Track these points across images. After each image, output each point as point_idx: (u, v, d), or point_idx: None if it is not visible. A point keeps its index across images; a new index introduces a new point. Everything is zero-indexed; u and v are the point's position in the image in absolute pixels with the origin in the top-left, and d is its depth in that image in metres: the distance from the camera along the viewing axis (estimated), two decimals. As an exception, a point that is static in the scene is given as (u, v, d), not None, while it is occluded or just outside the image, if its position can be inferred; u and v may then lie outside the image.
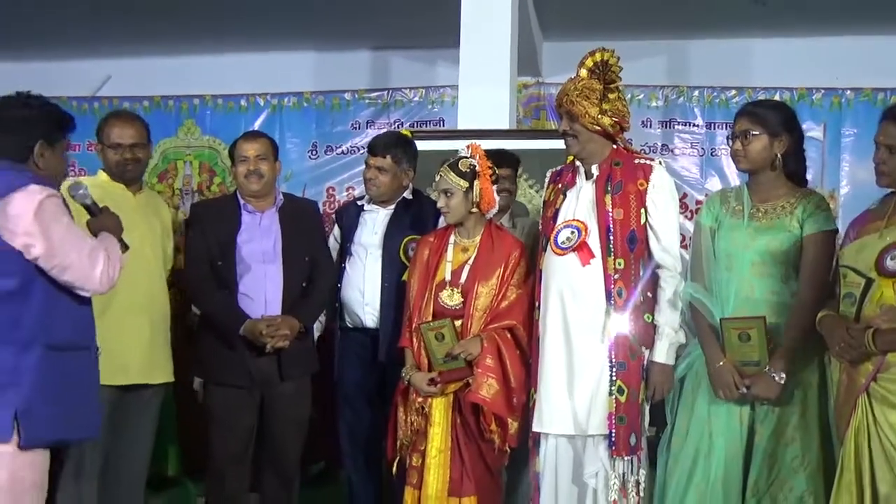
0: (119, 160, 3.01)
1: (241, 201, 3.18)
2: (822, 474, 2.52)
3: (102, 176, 3.07)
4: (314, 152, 6.09)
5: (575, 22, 5.52)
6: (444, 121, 5.84)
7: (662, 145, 5.81)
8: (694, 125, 5.76)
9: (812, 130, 5.63)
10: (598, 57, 2.78)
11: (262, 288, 3.10)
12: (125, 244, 2.47)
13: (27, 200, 2.16)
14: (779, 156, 2.71)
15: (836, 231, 2.68)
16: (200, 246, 3.17)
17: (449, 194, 2.89)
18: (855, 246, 2.42)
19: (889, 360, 2.25)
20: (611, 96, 2.76)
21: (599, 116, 2.73)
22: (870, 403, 2.27)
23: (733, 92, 5.70)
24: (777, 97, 5.62)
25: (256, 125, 5.94)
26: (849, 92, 5.60)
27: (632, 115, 5.84)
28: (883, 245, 2.32)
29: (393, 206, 3.37)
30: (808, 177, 5.79)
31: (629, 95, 5.74)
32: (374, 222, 3.36)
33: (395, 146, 3.38)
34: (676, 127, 5.82)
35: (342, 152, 6.03)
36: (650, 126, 5.80)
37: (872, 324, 2.26)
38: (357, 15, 5.51)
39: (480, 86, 4.12)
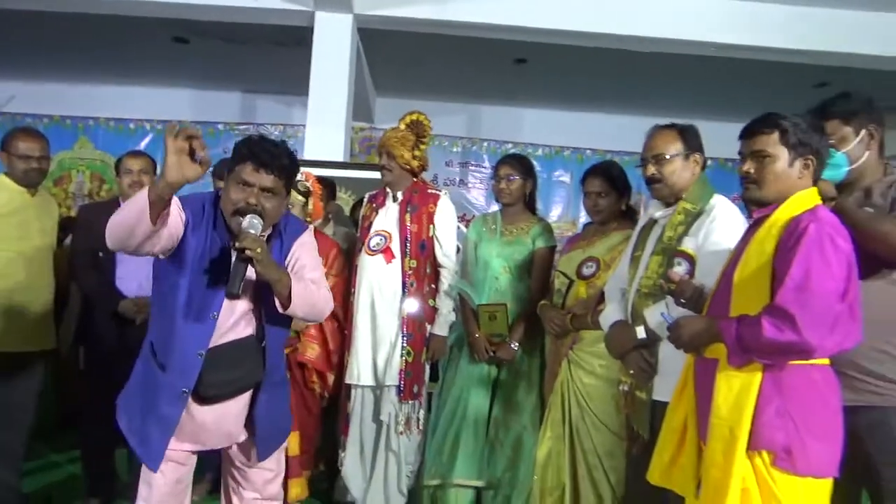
0: (27, 169, 2.84)
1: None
2: (538, 412, 2.75)
3: (5, 179, 2.87)
4: (190, 170, 5.98)
5: (400, 85, 5.76)
6: (297, 152, 5.85)
7: (460, 180, 6.15)
8: (483, 167, 6.16)
9: (563, 176, 6.18)
10: (414, 117, 2.92)
11: (135, 275, 2.98)
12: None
13: None
14: (527, 193, 2.94)
15: (556, 246, 2.90)
16: (85, 240, 3.02)
17: (290, 206, 2.95)
18: (566, 257, 2.69)
19: (581, 335, 2.52)
20: (421, 146, 2.89)
21: (410, 159, 2.86)
22: (569, 365, 2.52)
23: (511, 145, 6.13)
24: (541, 152, 6.13)
25: (142, 145, 5.76)
26: (588, 151, 6.19)
27: (439, 157, 6.25)
28: (583, 258, 2.60)
29: None
30: (559, 209, 6.39)
31: (438, 142, 6.09)
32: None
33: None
34: (470, 167, 6.20)
35: (211, 172, 5.94)
36: (452, 165, 6.11)
37: (572, 311, 2.55)
38: (229, 63, 5.48)
39: (323, 127, 4.16)
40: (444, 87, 5.79)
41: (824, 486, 1.52)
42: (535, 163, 5.93)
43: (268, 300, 1.86)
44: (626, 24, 4.19)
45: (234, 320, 1.87)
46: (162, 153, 1.58)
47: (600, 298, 2.43)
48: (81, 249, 3.05)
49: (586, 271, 2.58)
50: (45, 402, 3.47)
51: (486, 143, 6.18)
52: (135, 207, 1.61)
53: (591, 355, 2.48)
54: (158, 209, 1.62)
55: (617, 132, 5.95)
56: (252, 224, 1.79)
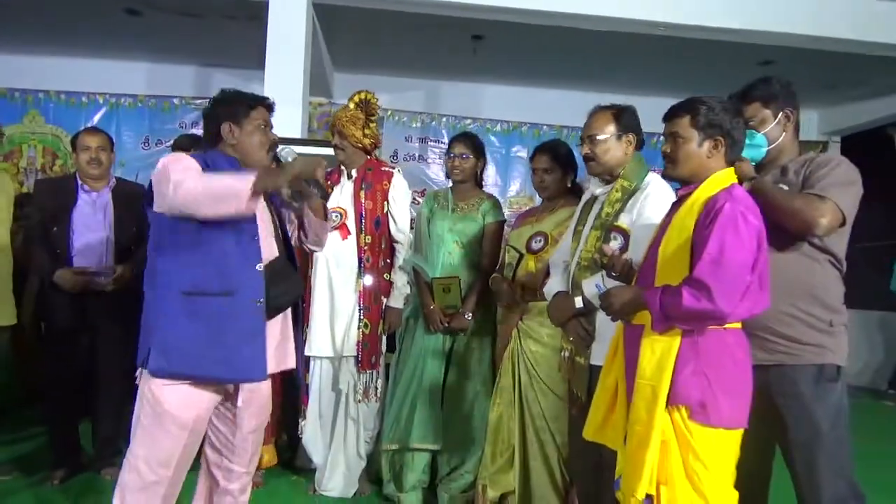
0: None
1: (80, 182, 3.08)
2: (490, 375, 2.89)
3: None
4: (146, 144, 5.90)
5: (358, 60, 5.76)
6: (255, 127, 5.86)
7: (419, 155, 6.18)
8: (442, 142, 6.16)
9: (520, 152, 6.29)
10: (362, 95, 2.97)
11: (94, 248, 3.02)
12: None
13: (159, 163, 1.90)
14: (478, 171, 3.05)
15: (505, 221, 3.03)
16: (37, 216, 3.03)
17: None
18: (516, 232, 2.81)
19: (530, 307, 2.65)
20: (371, 124, 2.96)
21: (362, 137, 2.93)
22: (519, 335, 2.65)
23: (470, 121, 6.20)
24: (499, 127, 6.21)
25: (95, 119, 5.66)
26: (545, 127, 6.28)
27: (398, 132, 6.27)
28: (532, 233, 2.71)
29: None
30: (517, 184, 6.49)
31: (398, 118, 6.14)
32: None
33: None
34: (429, 143, 6.22)
35: (170, 146, 5.88)
36: (411, 141, 6.14)
37: (521, 283, 2.67)
38: (184, 36, 5.40)
39: (280, 102, 4.06)
40: (403, 62, 5.80)
41: (735, 436, 1.70)
42: (493, 138, 6.12)
43: (285, 224, 2.13)
44: (580, 3, 4.29)
45: (267, 242, 2.02)
46: (117, 127, 1.63)
47: (548, 271, 2.52)
48: (32, 224, 3.06)
49: (535, 245, 2.70)
50: (10, 378, 3.50)
51: (444, 119, 6.23)
52: (232, 193, 1.75)
53: (539, 325, 2.61)
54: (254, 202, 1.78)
55: (573, 108, 5.79)
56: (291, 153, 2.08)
